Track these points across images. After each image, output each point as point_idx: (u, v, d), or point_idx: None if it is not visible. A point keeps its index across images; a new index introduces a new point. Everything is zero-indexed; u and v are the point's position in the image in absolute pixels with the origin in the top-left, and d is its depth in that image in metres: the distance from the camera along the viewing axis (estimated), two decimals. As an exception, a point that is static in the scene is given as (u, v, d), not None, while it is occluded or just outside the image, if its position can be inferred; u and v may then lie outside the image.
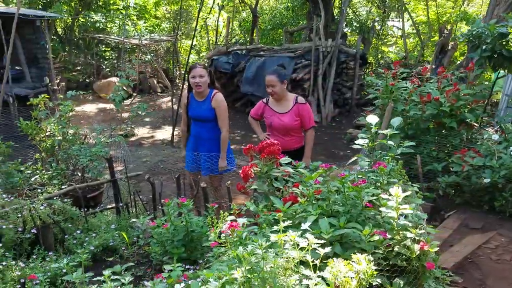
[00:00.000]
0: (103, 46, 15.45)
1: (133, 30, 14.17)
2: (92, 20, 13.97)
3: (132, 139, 8.63)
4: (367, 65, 11.21)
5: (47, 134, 4.91)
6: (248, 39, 12.67)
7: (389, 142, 2.49)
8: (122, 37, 11.41)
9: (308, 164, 4.20)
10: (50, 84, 8.22)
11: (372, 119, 2.63)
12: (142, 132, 9.18)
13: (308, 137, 4.15)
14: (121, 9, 16.79)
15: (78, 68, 14.09)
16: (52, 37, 15.68)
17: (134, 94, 12.21)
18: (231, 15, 17.53)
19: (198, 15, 7.71)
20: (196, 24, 9.20)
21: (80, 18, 15.19)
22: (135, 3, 17.91)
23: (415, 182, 4.31)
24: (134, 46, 13.31)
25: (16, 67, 8.48)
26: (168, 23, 18.83)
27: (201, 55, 16.28)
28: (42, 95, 5.07)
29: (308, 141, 4.16)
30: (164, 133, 9.21)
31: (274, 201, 2.25)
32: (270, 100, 4.20)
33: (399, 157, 2.51)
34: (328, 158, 7.50)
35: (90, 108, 10.95)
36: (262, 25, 16.46)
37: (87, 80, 13.08)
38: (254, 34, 12.74)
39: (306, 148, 4.16)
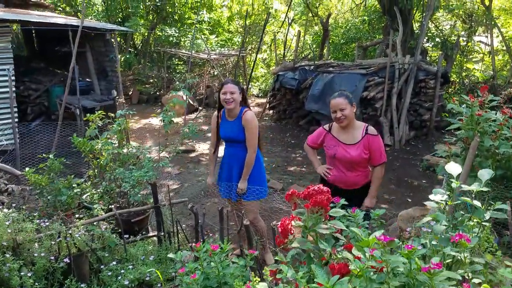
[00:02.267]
0: (176, 59, 15.82)
1: (204, 44, 14.34)
2: (166, 34, 14.36)
3: (192, 155, 8.49)
4: (449, 84, 10.17)
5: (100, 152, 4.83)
6: (317, 54, 12.16)
7: (475, 202, 1.88)
8: (191, 51, 11.47)
9: (371, 205, 3.62)
10: (117, 97, 8.37)
11: (453, 168, 2.03)
12: (202, 147, 9.02)
13: (377, 174, 3.55)
14: (196, 24, 17.18)
15: (151, 80, 14.51)
16: (129, 49, 16.41)
17: (200, 108, 12.22)
18: (303, 29, 17.17)
19: (264, 28, 7.42)
20: (261, 38, 8.93)
21: (156, 32, 15.73)
22: (209, 17, 18.26)
23: (505, 235, 3.53)
24: (204, 61, 13.41)
25: (87, 79, 8.78)
26: (240, 37, 18.93)
27: (270, 68, 16.07)
28: (98, 112, 5.00)
29: (375, 178, 3.56)
30: (225, 149, 8.99)
31: (316, 273, 1.75)
32: (334, 127, 3.66)
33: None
34: (399, 188, 6.74)
35: (156, 121, 11.09)
36: (335, 39, 15.87)
37: (157, 93, 13.38)
38: (325, 49, 12.21)
39: (372, 186, 3.58)
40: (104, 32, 8.11)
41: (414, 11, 11.06)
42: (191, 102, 11.93)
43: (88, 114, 5.10)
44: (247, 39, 18.01)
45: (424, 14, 9.94)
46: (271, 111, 11.57)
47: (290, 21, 13.95)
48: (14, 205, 3.21)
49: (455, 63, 11.53)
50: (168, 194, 3.75)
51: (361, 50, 11.75)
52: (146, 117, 11.36)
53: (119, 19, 14.34)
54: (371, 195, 3.57)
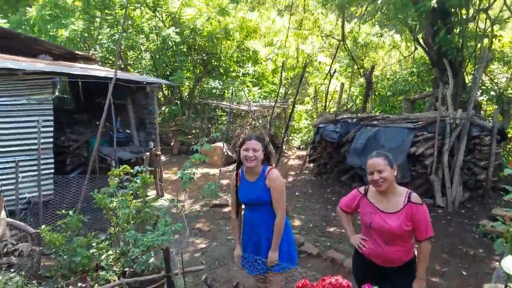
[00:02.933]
0: (219, 110, 15.96)
1: (248, 96, 14.41)
2: (210, 86, 14.60)
3: (225, 209, 8.12)
4: (506, 141, 9.31)
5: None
6: (360, 106, 11.76)
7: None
8: (231, 103, 11.46)
9: None
10: (153, 148, 8.34)
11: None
12: (237, 202, 8.67)
13: (424, 253, 2.99)
14: (240, 76, 17.43)
15: (193, 131, 14.62)
16: (176, 101, 16.81)
17: (240, 159, 12.01)
18: (348, 81, 16.93)
19: (301, 78, 7.24)
20: (298, 88, 8.72)
21: (202, 84, 16.08)
22: (254, 70, 18.54)
23: None
24: (245, 112, 13.39)
25: (127, 131, 8.86)
26: (284, 88, 18.98)
27: (314, 120, 15.79)
28: (123, 166, 4.83)
29: (423, 258, 3.00)
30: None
31: None
32: (371, 191, 3.18)
33: None
34: (453, 257, 5.94)
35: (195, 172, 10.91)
36: (381, 91, 15.44)
37: (198, 144, 13.34)
38: (368, 101, 11.80)
39: (419, 267, 3.02)
40: (144, 85, 8.22)
41: (466, 63, 10.48)
42: (230, 153, 11.76)
43: (118, 167, 4.97)
44: (289, 91, 18.06)
45: (476, 67, 9.36)
46: (311, 164, 11.13)
47: (332, 73, 13.81)
48: (12, 270, 2.97)
49: (513, 118, 10.65)
50: (181, 262, 3.38)
51: (409, 103, 11.20)
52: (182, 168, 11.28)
53: (168, 72, 14.78)
54: (419, 277, 3.02)
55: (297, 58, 19.66)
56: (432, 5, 8.95)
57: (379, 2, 10.14)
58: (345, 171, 9.82)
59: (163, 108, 14.05)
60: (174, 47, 14.12)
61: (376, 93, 15.37)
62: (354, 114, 10.14)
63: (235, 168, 3.53)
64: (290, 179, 10.60)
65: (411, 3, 9.43)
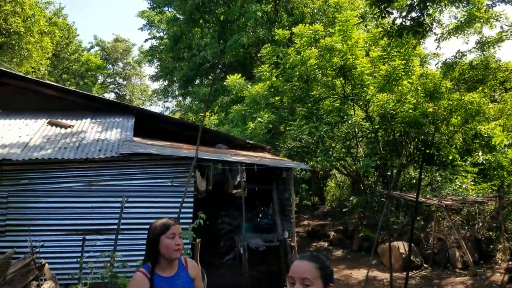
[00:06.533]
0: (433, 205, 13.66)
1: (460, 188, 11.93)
2: (408, 176, 12.94)
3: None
4: None
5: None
6: None
7: None
8: (422, 196, 9.66)
9: None
10: (289, 239, 7.73)
11: None
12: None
13: None
14: (465, 166, 14.72)
15: (394, 227, 12.82)
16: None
17: (425, 265, 9.72)
18: None
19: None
20: None
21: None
22: (484, 159, 15.42)
23: None
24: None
25: (275, 217, 8.59)
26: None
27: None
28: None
29: None
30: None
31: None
32: None
33: None
34: None
35: (360, 274, 9.39)
36: None
37: (384, 239, 11.59)
38: None
39: None
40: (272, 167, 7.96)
41: None
42: (413, 257, 9.66)
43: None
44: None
45: None
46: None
47: None
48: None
49: None
50: None
51: None
52: (354, 267, 9.91)
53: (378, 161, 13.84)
54: None
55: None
56: None
57: None
58: None
59: (351, 198, 13.09)
60: (368, 134, 13.43)
61: None
62: None
63: (151, 266, 2.62)
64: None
65: None
